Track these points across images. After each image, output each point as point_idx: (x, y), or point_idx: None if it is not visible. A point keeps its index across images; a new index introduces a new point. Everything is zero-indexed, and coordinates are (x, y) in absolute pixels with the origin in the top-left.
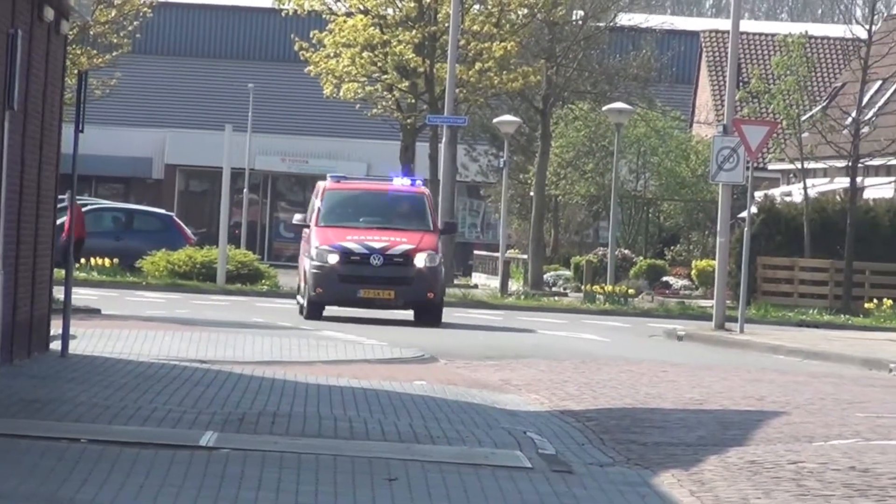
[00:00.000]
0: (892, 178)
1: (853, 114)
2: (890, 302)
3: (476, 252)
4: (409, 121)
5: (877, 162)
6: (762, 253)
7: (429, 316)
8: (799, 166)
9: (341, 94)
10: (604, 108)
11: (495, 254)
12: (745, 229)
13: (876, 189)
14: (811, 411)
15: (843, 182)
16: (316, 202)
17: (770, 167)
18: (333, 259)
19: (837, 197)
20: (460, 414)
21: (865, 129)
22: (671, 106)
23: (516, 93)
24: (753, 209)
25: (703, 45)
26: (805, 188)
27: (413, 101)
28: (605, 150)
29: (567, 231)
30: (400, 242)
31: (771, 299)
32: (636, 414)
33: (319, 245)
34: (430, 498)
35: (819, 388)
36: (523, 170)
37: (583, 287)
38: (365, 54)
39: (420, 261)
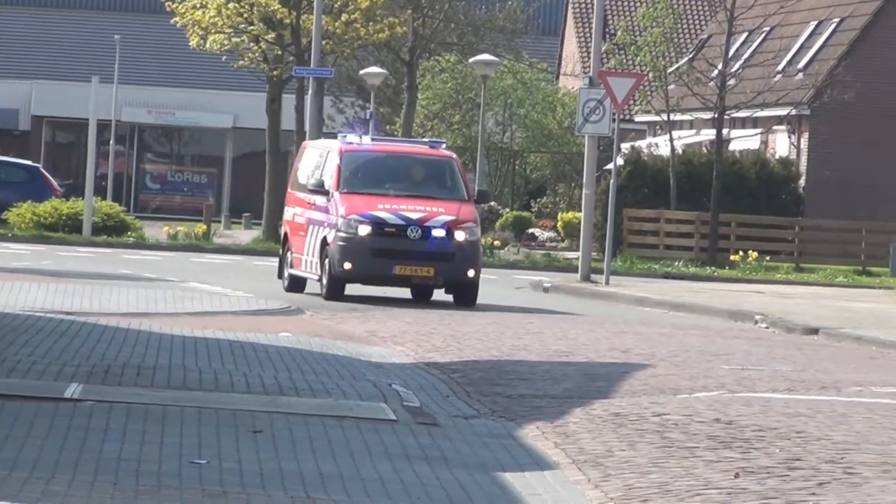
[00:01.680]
0: (759, 130)
1: (719, 66)
2: (755, 254)
3: None
4: (275, 72)
5: (743, 114)
6: (628, 205)
7: (466, 297)
8: (665, 118)
9: (207, 45)
10: (470, 60)
11: None
12: (612, 181)
13: (742, 141)
14: (676, 363)
15: (709, 134)
16: (329, 163)
17: (636, 119)
18: (365, 230)
19: (704, 149)
20: (325, 366)
21: (731, 81)
22: (538, 58)
23: (383, 44)
24: (619, 161)
25: None
26: (671, 140)
27: (279, 52)
28: (471, 102)
29: None
30: (438, 213)
31: (637, 251)
32: (501, 366)
33: (347, 213)
34: (294, 450)
35: (684, 341)
36: (390, 121)
37: None
38: (231, 5)
39: (461, 234)
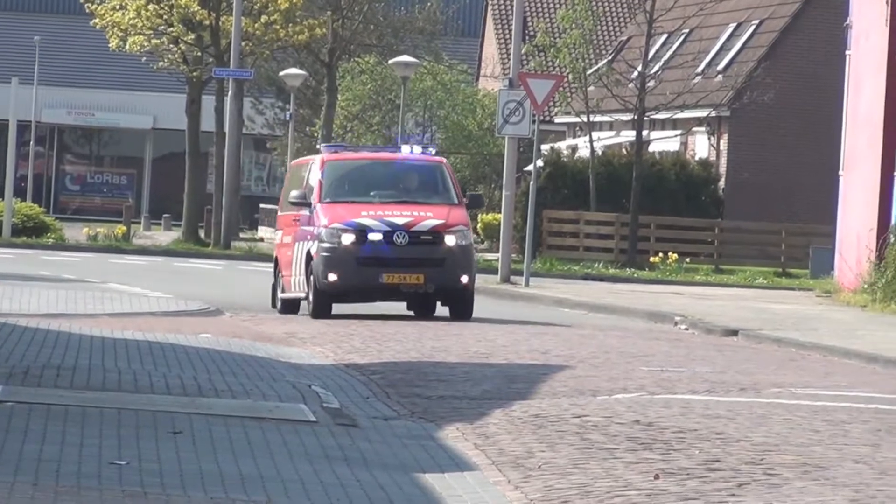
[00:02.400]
0: (678, 132)
1: (639, 68)
2: (675, 255)
3: (262, 206)
4: (195, 74)
5: (662, 115)
6: (548, 206)
7: (461, 306)
8: (585, 119)
9: (127, 47)
10: (390, 62)
11: None
12: (531, 183)
13: (662, 142)
14: (596, 365)
15: (629, 135)
16: (312, 176)
17: (556, 120)
18: (349, 239)
19: (623, 150)
20: (245, 367)
21: (651, 83)
22: (457, 59)
23: (302, 46)
24: (539, 163)
25: None
26: (591, 142)
27: (199, 54)
28: (391, 103)
29: None
30: (426, 217)
31: (557, 253)
32: (421, 367)
33: (329, 223)
34: (214, 451)
35: (604, 342)
36: (310, 123)
37: None
38: (150, 7)
39: (451, 238)
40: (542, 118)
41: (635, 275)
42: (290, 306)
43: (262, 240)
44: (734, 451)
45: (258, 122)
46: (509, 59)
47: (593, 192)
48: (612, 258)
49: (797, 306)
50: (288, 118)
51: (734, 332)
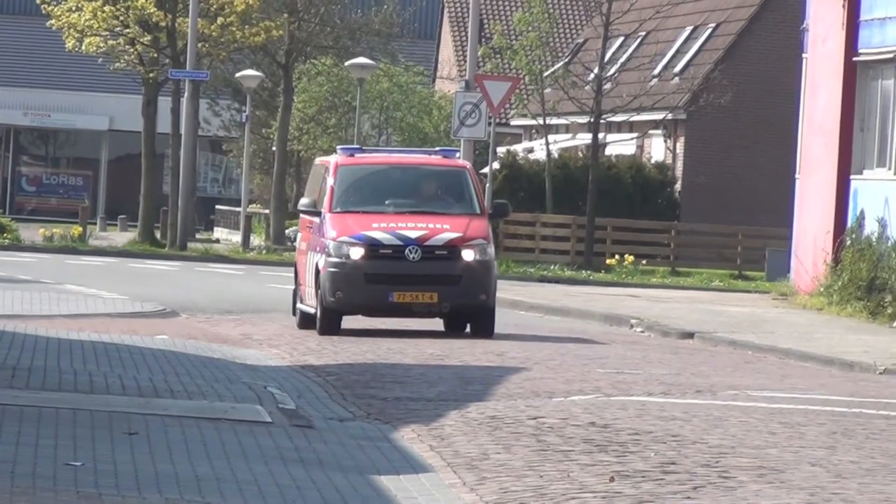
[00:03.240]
0: (635, 135)
1: (595, 70)
2: (631, 258)
3: (218, 207)
4: (151, 75)
5: (619, 118)
6: None
7: (480, 323)
8: (541, 122)
9: (83, 47)
10: (346, 64)
11: (237, 209)
12: (487, 185)
13: (618, 145)
14: (551, 367)
15: (585, 138)
16: (325, 182)
17: (512, 123)
18: (357, 253)
19: (580, 153)
20: (201, 369)
21: (608, 86)
22: (414, 61)
23: (259, 47)
24: (496, 165)
25: (445, 0)
26: (547, 144)
27: (155, 55)
28: (347, 105)
29: None
30: (442, 230)
31: (512, 255)
32: (377, 369)
33: (337, 236)
34: (169, 452)
35: (560, 344)
36: (266, 125)
37: None
38: (107, 8)
39: (469, 253)
40: (498, 120)
41: (591, 277)
42: (309, 320)
43: (217, 241)
44: (690, 453)
45: (214, 124)
46: (466, 62)
47: (549, 195)
48: (569, 260)
49: (753, 309)
50: (244, 120)
51: (690, 335)
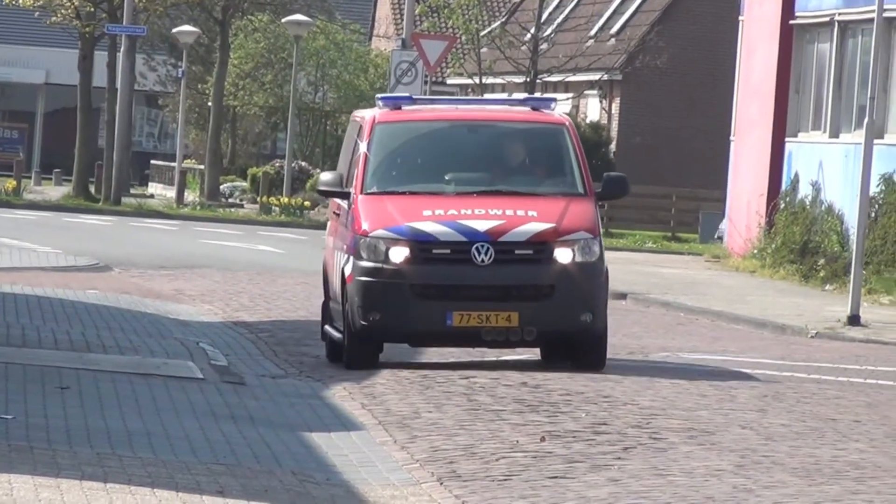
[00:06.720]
0: (570, 95)
1: (532, 30)
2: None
3: (153, 162)
4: (87, 29)
5: (555, 78)
6: None
7: (587, 354)
8: (477, 81)
9: (20, 1)
10: (283, 20)
11: (172, 164)
12: None
13: None
14: None
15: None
16: (357, 149)
17: (449, 82)
18: (399, 255)
19: None
20: (133, 323)
21: (544, 46)
22: (351, 19)
23: (195, 3)
24: None
25: None
26: None
27: (92, 9)
28: (284, 61)
29: (245, 142)
30: (525, 219)
31: None
32: (310, 326)
33: (371, 229)
34: (101, 407)
35: None
36: (202, 80)
37: (259, 199)
38: None
39: (565, 253)
40: (434, 79)
41: None
42: (337, 346)
43: (152, 196)
44: (621, 414)
45: (150, 79)
46: (403, 20)
47: None
48: None
49: (686, 271)
50: (180, 75)
51: (623, 296)
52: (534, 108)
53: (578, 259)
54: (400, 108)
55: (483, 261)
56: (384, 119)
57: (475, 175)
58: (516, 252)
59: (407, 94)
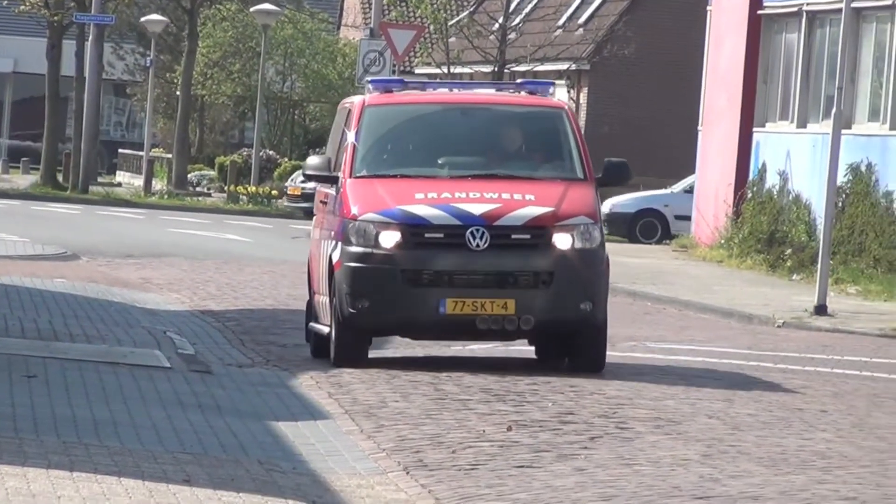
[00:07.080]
0: None
1: (500, 19)
2: None
3: (121, 151)
4: (56, 18)
5: (523, 68)
6: None
7: (585, 351)
8: (446, 71)
9: None
10: (251, 9)
11: (140, 152)
12: None
13: None
14: None
15: None
16: (346, 134)
17: (417, 71)
18: (390, 239)
19: None
20: (100, 312)
21: (512, 35)
22: (319, 8)
23: None
24: None
25: None
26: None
27: None
28: (252, 51)
29: (212, 131)
30: (522, 203)
31: None
32: (276, 315)
33: (361, 212)
34: (68, 396)
35: None
36: (170, 69)
37: (227, 187)
38: None
39: (564, 239)
40: (402, 68)
41: None
42: (323, 343)
43: (119, 185)
44: (587, 403)
45: (118, 68)
46: (371, 9)
47: None
48: None
49: (653, 260)
50: (148, 64)
51: None
52: (530, 93)
53: (578, 245)
54: (391, 92)
55: (478, 245)
56: (374, 102)
57: (470, 159)
58: (513, 237)
59: (398, 78)
